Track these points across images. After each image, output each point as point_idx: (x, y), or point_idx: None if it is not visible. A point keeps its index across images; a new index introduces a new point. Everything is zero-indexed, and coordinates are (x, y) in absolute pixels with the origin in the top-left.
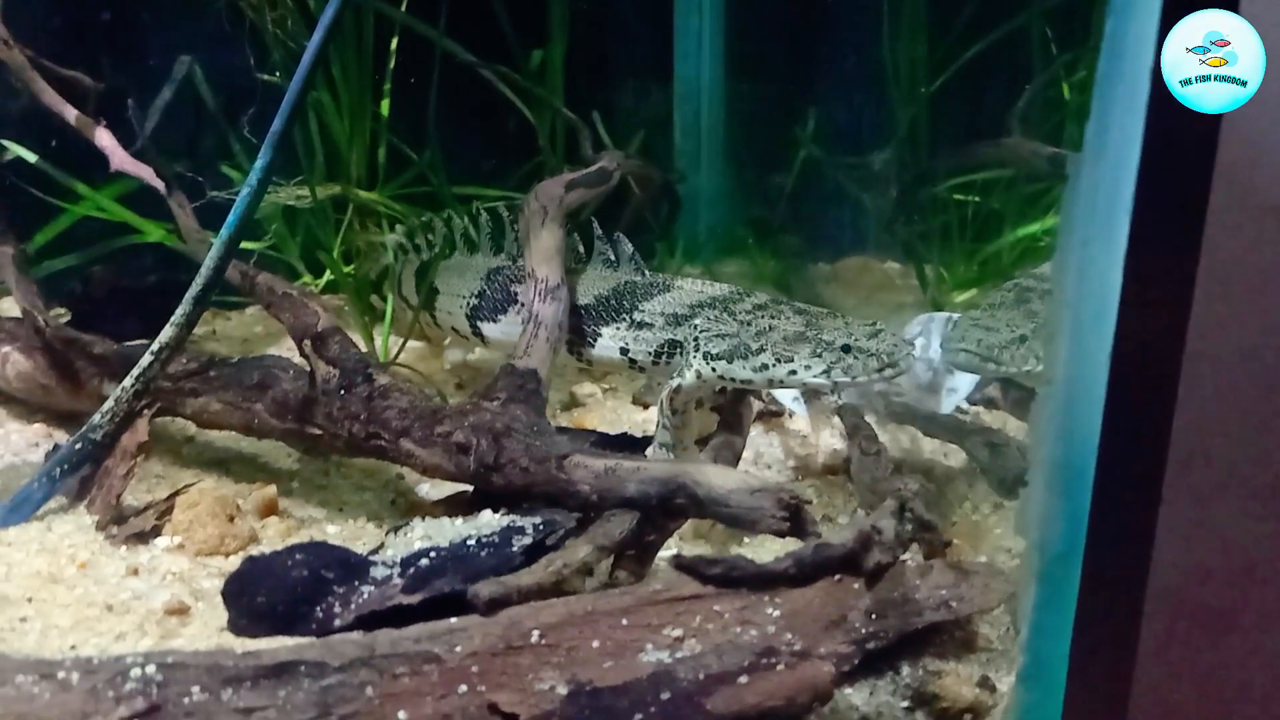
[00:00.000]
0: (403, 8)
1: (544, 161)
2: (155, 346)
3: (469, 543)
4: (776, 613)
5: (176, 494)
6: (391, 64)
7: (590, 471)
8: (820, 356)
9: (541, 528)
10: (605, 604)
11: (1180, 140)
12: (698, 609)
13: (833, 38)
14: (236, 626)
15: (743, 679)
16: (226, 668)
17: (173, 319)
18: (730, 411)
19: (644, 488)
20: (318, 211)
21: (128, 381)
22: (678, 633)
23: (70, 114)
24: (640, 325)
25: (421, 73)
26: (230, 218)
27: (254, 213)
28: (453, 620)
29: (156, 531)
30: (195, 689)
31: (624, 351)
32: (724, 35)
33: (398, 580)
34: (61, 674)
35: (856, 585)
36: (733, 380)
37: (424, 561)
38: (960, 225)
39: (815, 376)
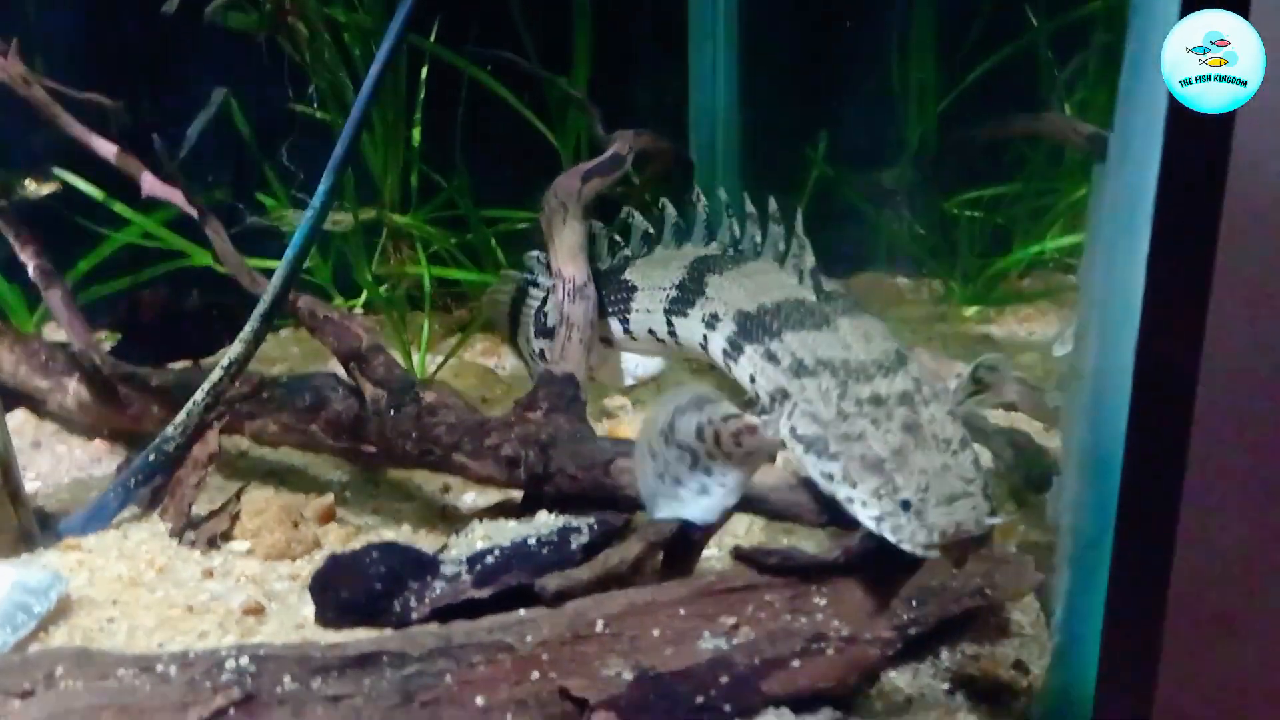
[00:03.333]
0: (431, 36)
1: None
2: (225, 361)
3: (529, 542)
4: (824, 601)
5: (240, 492)
6: (422, 94)
7: (634, 475)
8: (880, 499)
9: (596, 528)
10: (664, 595)
11: (1195, 148)
12: (750, 599)
13: (844, 60)
14: (323, 619)
15: (795, 663)
16: (315, 658)
17: (241, 335)
18: None
19: None
20: (349, 236)
21: (199, 395)
22: (732, 621)
23: (99, 145)
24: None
25: (449, 101)
26: (295, 237)
27: (317, 234)
28: (522, 612)
29: (227, 537)
30: (286, 678)
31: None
32: (738, 62)
33: (467, 576)
34: (160, 667)
35: (897, 576)
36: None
37: (489, 559)
38: (969, 240)
39: (865, 517)
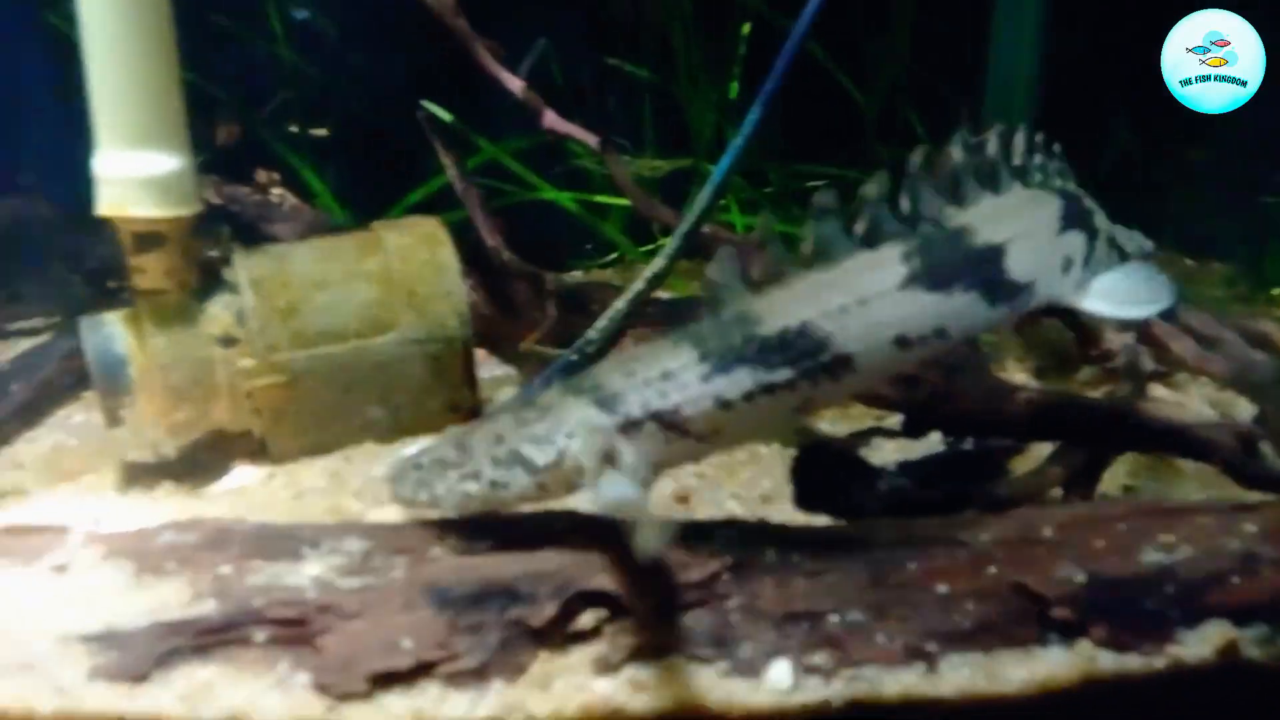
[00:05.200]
0: None
1: (868, 142)
2: (648, 274)
3: (961, 454)
4: (1254, 528)
5: None
6: (742, 49)
7: (1037, 405)
8: None
9: (1002, 452)
10: (1104, 511)
11: None
12: (1183, 520)
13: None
14: (800, 502)
15: (1234, 579)
16: (793, 536)
17: (664, 251)
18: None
19: (1093, 421)
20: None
21: (620, 303)
22: (1170, 538)
23: (508, 80)
24: None
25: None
26: (721, 162)
27: (741, 162)
28: (969, 515)
29: None
30: (770, 551)
31: None
32: (1044, 31)
33: (908, 480)
34: None
35: None
36: None
37: (923, 467)
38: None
39: None
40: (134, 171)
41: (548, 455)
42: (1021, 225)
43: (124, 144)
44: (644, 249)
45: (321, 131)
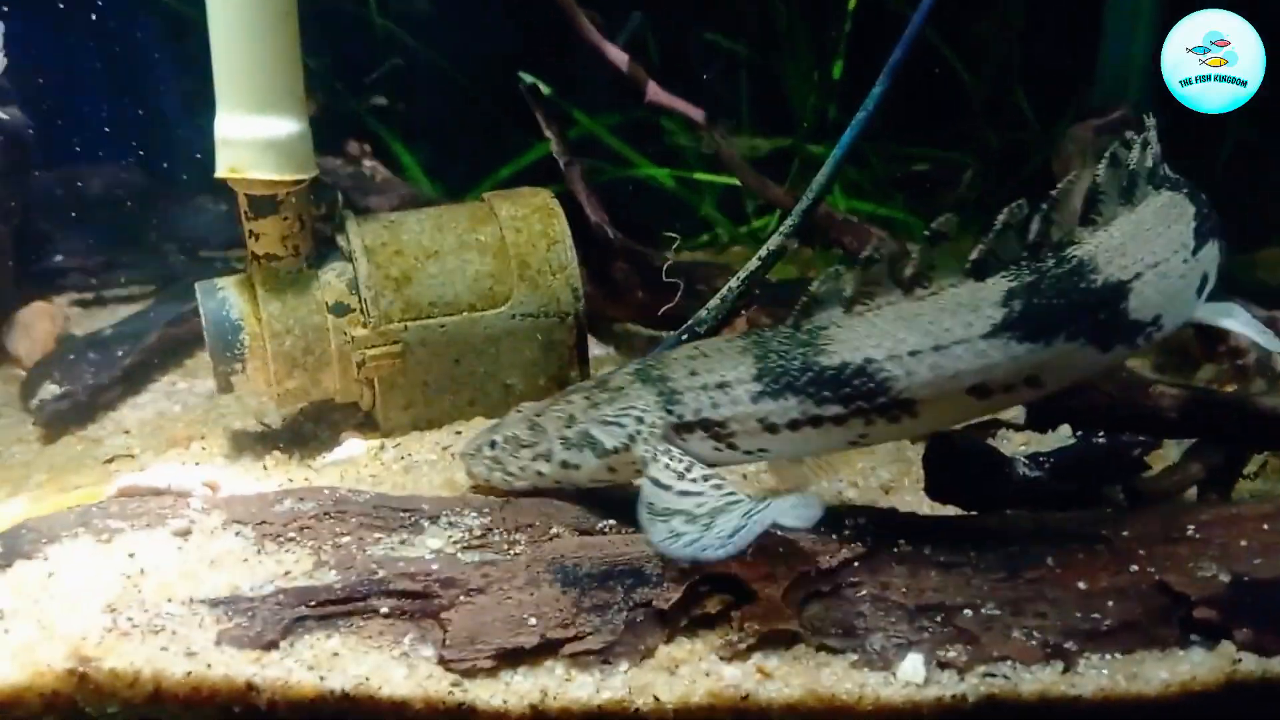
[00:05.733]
0: None
1: (973, 124)
2: (763, 252)
3: (1094, 447)
4: None
5: None
6: (848, 26)
7: (1175, 400)
8: None
9: (1139, 447)
10: (1248, 510)
11: None
12: None
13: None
14: (932, 492)
15: None
16: (925, 526)
17: (781, 228)
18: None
19: (1237, 418)
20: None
21: (733, 283)
22: None
23: (612, 52)
24: None
25: (874, 36)
26: (844, 137)
27: (863, 136)
28: (1109, 510)
29: None
30: (902, 541)
31: None
32: (1160, 13)
33: (1040, 472)
34: None
35: None
36: None
37: (1052, 460)
38: None
39: None
40: (254, 134)
41: (616, 439)
42: (1155, 252)
43: (245, 108)
44: (743, 228)
45: (383, 101)
